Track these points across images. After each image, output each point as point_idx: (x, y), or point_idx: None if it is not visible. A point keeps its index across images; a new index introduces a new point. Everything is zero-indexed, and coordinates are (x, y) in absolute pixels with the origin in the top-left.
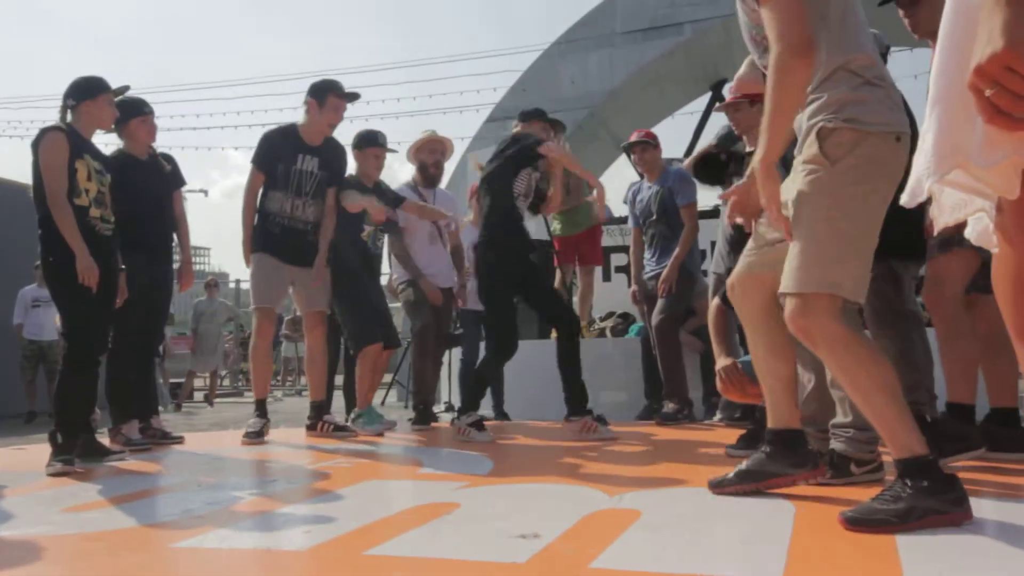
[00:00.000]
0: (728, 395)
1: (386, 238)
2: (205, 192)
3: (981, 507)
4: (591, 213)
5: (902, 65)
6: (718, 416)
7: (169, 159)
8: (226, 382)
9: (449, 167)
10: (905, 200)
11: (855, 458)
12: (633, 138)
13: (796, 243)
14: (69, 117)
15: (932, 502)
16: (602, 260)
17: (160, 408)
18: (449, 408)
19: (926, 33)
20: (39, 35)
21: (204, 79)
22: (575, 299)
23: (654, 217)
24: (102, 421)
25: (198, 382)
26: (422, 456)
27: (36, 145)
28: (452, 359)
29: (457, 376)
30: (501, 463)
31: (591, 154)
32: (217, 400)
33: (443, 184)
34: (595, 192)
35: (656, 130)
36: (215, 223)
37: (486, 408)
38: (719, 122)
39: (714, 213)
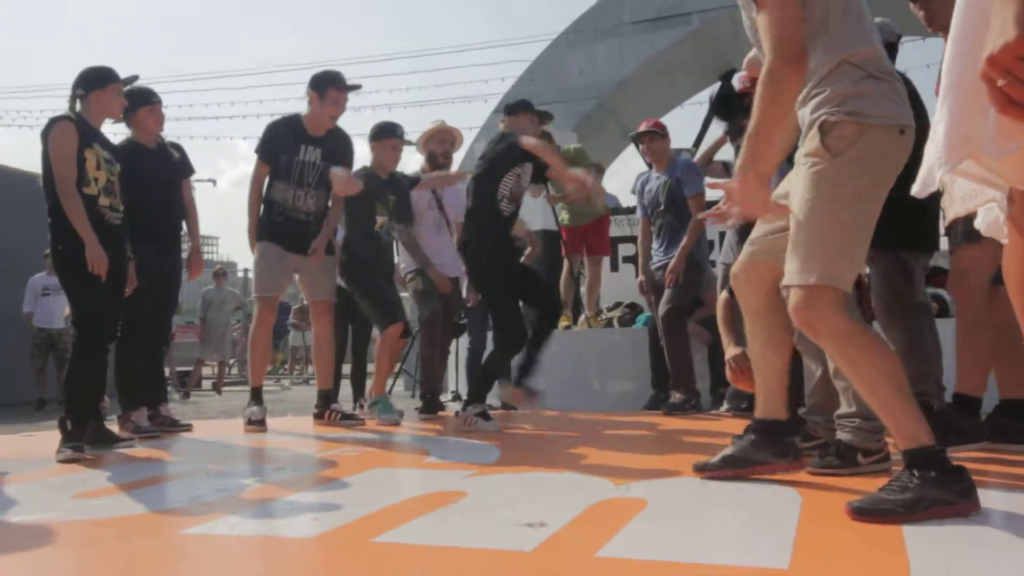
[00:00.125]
0: (738, 384)
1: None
2: (213, 181)
3: (989, 498)
4: (599, 203)
5: (913, 55)
6: (725, 406)
7: (178, 148)
8: (234, 370)
9: (457, 157)
10: (916, 190)
11: (862, 448)
12: (642, 128)
13: (799, 235)
14: (78, 106)
15: (939, 492)
16: (610, 250)
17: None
18: (456, 397)
19: (941, 27)
20: (47, 24)
21: (212, 69)
22: (583, 289)
23: (662, 207)
24: (111, 409)
25: (206, 370)
26: (429, 445)
27: (45, 134)
28: (459, 348)
29: (464, 365)
30: (508, 452)
31: (600, 144)
32: (225, 388)
33: None
34: (571, 188)
35: (665, 120)
36: (223, 212)
37: (492, 398)
38: None
39: None
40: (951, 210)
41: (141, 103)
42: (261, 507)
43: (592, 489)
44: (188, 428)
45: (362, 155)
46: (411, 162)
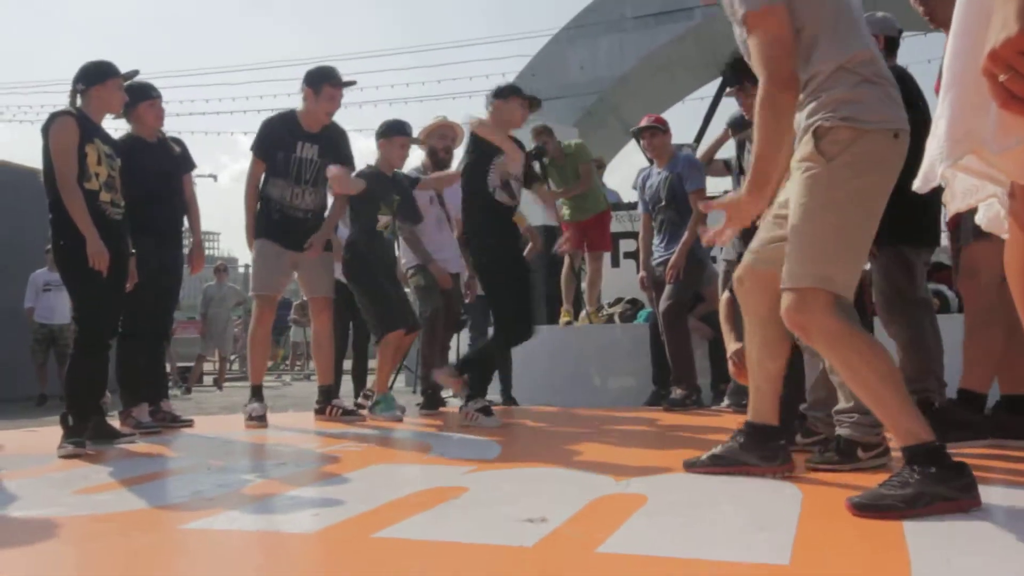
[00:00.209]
0: (741, 379)
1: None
2: (214, 177)
3: (989, 494)
4: (600, 198)
5: (915, 50)
6: (726, 402)
7: (179, 143)
8: (235, 366)
9: (458, 153)
10: (918, 185)
11: (862, 442)
12: (643, 123)
13: (793, 239)
14: (79, 101)
15: (940, 488)
16: (611, 246)
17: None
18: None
19: (941, 22)
20: (48, 22)
21: (212, 64)
22: (584, 285)
23: (663, 203)
24: (112, 404)
25: (207, 366)
26: (430, 440)
27: (46, 130)
28: (460, 344)
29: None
30: (509, 448)
31: (601, 140)
32: (226, 384)
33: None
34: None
35: (666, 115)
36: (224, 208)
37: (494, 393)
38: (730, 107)
39: None
40: (952, 205)
41: (141, 98)
42: (262, 503)
43: (593, 485)
44: (189, 424)
45: (365, 151)
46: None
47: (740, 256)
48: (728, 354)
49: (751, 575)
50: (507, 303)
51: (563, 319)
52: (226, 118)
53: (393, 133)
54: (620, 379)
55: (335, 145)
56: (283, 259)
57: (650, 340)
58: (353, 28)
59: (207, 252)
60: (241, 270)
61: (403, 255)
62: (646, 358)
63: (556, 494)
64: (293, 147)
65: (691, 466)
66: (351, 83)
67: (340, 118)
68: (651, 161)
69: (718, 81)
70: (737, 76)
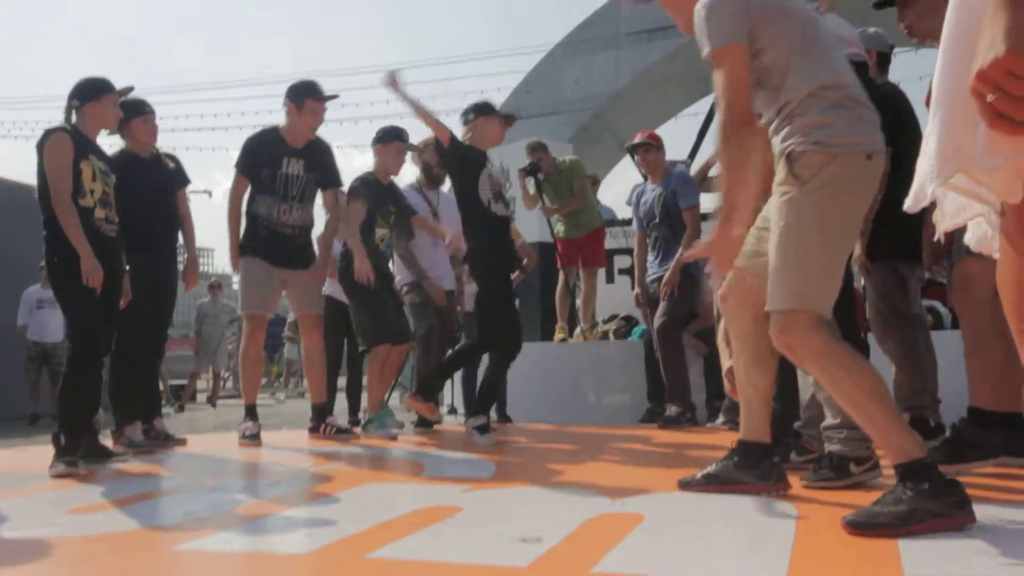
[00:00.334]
0: (736, 396)
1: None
2: (209, 193)
3: (984, 511)
4: (595, 215)
5: (907, 67)
6: (721, 419)
7: (173, 158)
8: (229, 384)
9: None
10: (908, 205)
11: (853, 457)
12: (637, 139)
13: (772, 262)
14: (74, 118)
15: (934, 505)
16: (605, 262)
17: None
18: (452, 411)
19: (923, 35)
20: (43, 35)
21: (206, 80)
22: (578, 302)
23: (657, 219)
24: (105, 423)
25: (201, 384)
26: (424, 459)
27: (41, 146)
28: None
29: (460, 379)
30: (503, 466)
31: (596, 156)
32: (220, 402)
33: (446, 186)
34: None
35: (660, 132)
36: (219, 224)
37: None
38: None
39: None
40: (941, 225)
41: (135, 114)
42: (255, 523)
43: (588, 504)
44: (182, 442)
45: (363, 164)
46: (407, 174)
47: None
48: (724, 371)
49: None
50: (504, 320)
51: (558, 336)
52: (221, 134)
53: (390, 139)
54: (615, 396)
55: (321, 160)
56: (272, 277)
57: (645, 357)
58: (348, 43)
59: (201, 268)
60: (235, 287)
61: (397, 272)
62: (641, 375)
63: (551, 513)
64: (279, 163)
65: (686, 485)
66: (334, 96)
67: (336, 134)
68: (645, 177)
69: (711, 97)
70: None
